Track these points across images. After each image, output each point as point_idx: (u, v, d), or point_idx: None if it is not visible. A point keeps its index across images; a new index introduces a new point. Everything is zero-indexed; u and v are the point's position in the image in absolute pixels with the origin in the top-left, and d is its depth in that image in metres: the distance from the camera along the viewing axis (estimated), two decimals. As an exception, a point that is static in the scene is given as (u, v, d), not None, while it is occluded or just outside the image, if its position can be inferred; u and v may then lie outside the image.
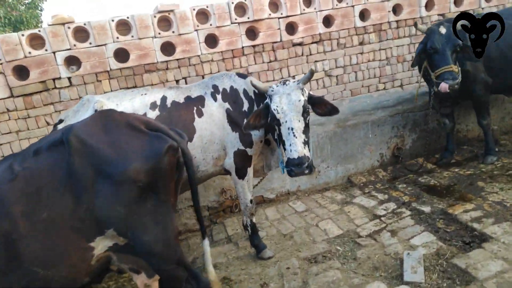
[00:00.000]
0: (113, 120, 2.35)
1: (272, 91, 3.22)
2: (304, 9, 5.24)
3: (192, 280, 2.47)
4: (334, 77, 5.62)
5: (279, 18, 5.19)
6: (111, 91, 4.73)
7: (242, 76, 3.76)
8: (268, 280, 3.47)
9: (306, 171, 3.09)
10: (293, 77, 5.42)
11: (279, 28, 5.21)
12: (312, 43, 5.41)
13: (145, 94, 3.55)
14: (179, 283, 2.44)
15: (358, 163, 5.32)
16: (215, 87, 3.63)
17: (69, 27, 4.48)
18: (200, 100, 3.56)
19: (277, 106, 3.13)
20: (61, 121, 3.61)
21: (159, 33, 4.78)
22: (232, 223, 4.63)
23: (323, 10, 5.33)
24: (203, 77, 5.03)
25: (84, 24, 4.56)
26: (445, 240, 3.52)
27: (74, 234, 2.18)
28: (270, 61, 5.30)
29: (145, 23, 4.71)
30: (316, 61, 5.48)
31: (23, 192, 2.11)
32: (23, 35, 4.39)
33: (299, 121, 3.13)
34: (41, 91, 4.54)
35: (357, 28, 5.50)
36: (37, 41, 4.51)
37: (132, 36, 4.72)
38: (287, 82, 3.25)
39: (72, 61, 4.62)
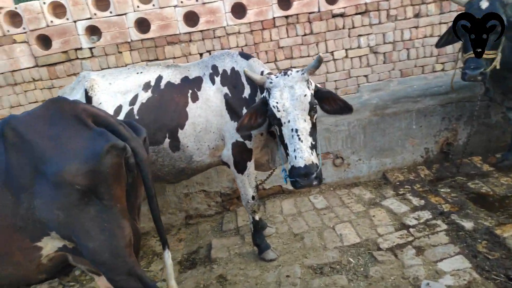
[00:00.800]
0: (61, 111, 2.10)
1: (271, 83, 2.69)
2: (348, -26, 4.47)
3: None
4: (381, 54, 4.83)
5: (318, -16, 4.50)
6: (132, 63, 4.54)
7: (245, 56, 3.28)
8: (264, 287, 3.12)
9: (315, 183, 2.60)
10: (332, 53, 4.75)
11: (317, -4, 4.53)
12: (356, 14, 4.64)
13: (141, 72, 3.26)
14: None
15: (396, 157, 4.62)
16: (214, 68, 3.21)
17: (89, -5, 4.27)
18: (196, 82, 3.17)
19: (277, 103, 2.62)
20: (59, 98, 3.46)
21: (182, 2, 4.38)
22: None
23: (372, -25, 4.51)
24: (228, 51, 4.61)
25: (104, -9, 4.32)
26: (482, 271, 2.87)
27: (17, 233, 2.03)
28: (305, 34, 4.67)
29: (167, -10, 4.34)
30: (359, 35, 4.72)
31: None
32: (44, 3, 4.27)
33: (304, 120, 2.61)
34: (63, 62, 4.47)
35: (413, -4, 4.60)
36: (60, 10, 4.39)
37: (153, 5, 4.38)
38: (289, 72, 2.70)
39: (93, 31, 4.45)
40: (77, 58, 4.45)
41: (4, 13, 4.22)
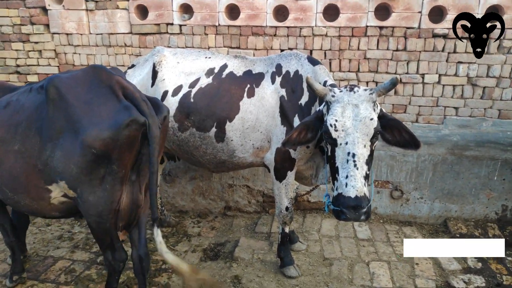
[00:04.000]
0: (99, 79, 2.33)
1: (333, 96, 2.45)
2: (464, -9, 3.95)
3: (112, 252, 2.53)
4: (480, 88, 4.25)
5: (424, -2, 4.07)
6: (215, 47, 4.63)
7: (312, 61, 3.09)
8: (276, 303, 3.03)
9: (362, 218, 2.33)
10: (422, 75, 4.31)
11: (420, 12, 4.11)
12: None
13: (209, 57, 3.32)
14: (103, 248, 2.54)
15: (465, 206, 4.07)
16: (278, 67, 3.10)
17: (191, -27, 4.42)
18: (257, 78, 3.10)
19: (336, 121, 2.37)
20: (133, 65, 3.70)
21: (275, -6, 4.32)
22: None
23: (494, -5, 3.92)
24: (310, 52, 4.45)
25: (204, -28, 4.43)
26: None
27: (36, 173, 2.35)
28: (397, 50, 4.29)
29: (264, -20, 4.30)
30: (459, 62, 4.20)
31: (6, 121, 2.36)
32: (150, -25, 4.53)
33: (364, 146, 2.35)
34: (154, 33, 4.71)
35: (539, 29, 3.92)
36: (163, -17, 4.61)
37: (247, -7, 4.39)
38: (356, 89, 2.44)
39: (186, 10, 4.62)
40: (167, 32, 4.66)
41: (114, -20, 4.57)
